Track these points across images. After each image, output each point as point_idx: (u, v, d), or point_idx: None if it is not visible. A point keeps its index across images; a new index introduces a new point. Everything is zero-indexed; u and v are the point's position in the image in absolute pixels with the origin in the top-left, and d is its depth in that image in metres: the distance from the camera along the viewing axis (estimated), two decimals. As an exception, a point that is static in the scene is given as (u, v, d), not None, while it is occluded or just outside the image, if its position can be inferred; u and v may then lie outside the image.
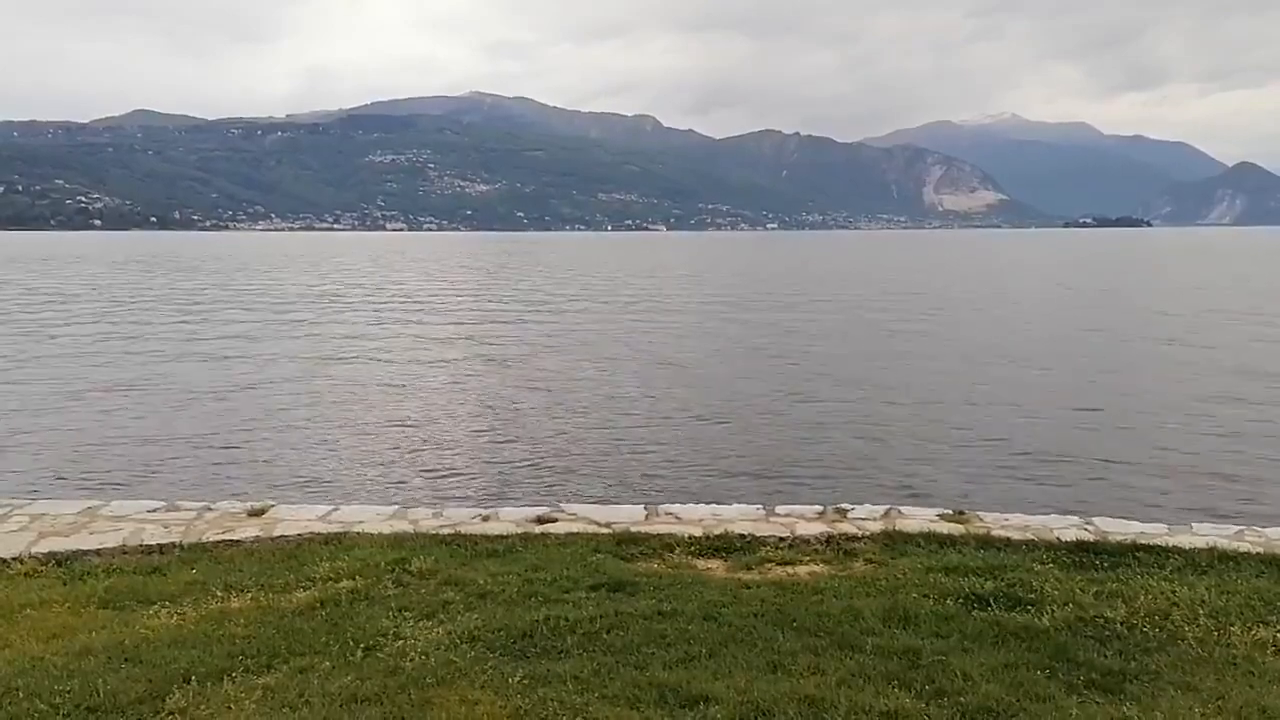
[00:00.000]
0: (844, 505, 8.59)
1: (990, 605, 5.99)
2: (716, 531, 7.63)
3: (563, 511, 8.45)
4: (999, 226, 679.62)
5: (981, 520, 8.10)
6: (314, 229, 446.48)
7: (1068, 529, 7.77)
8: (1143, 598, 6.06)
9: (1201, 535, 7.63)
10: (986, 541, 7.39)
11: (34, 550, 7.27)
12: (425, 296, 52.16)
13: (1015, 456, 15.24)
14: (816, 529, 7.77)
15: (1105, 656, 5.24)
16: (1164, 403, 19.94)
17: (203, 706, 4.68)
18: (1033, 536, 7.52)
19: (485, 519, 8.25)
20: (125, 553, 7.28)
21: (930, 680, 4.91)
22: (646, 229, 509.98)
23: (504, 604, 6.04)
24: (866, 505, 8.63)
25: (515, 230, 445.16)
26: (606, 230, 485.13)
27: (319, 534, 7.66)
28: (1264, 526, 8.13)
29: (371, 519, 8.23)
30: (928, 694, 4.78)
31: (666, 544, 7.33)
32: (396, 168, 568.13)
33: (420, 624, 5.71)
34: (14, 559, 7.05)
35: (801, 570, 6.84)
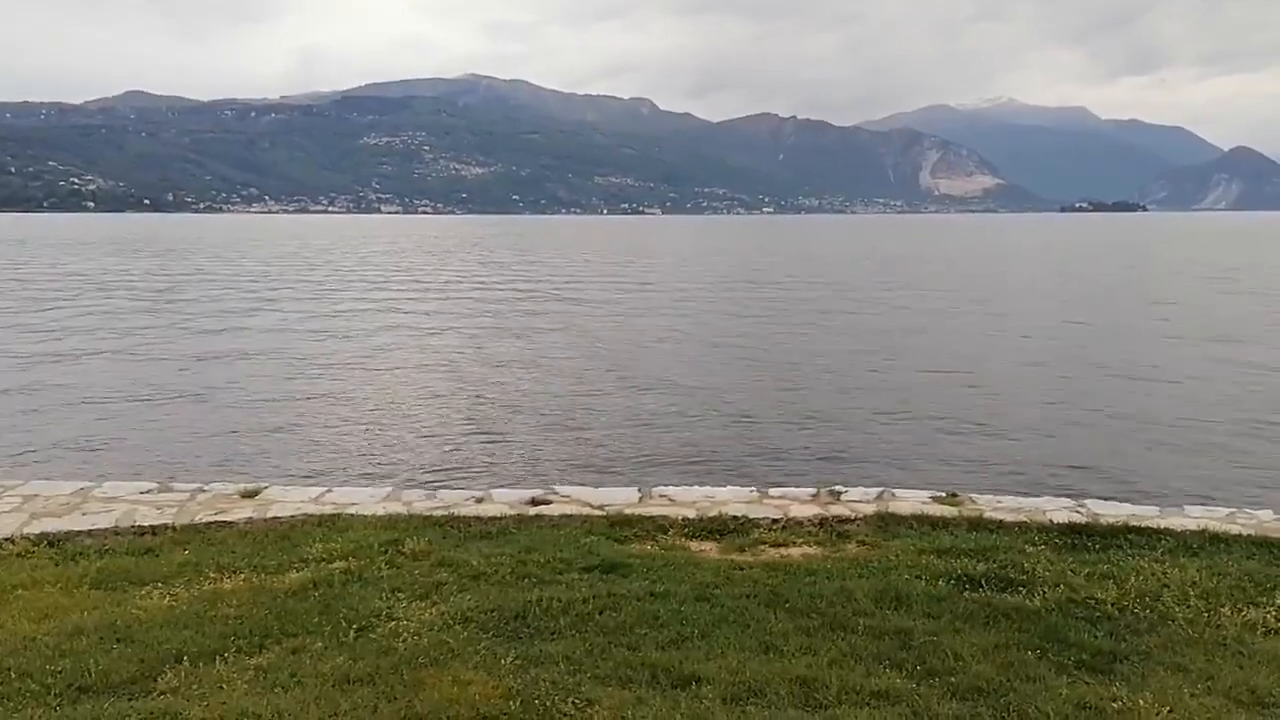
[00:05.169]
0: (837, 487, 8.61)
1: (982, 586, 6.01)
2: (710, 513, 7.64)
3: (556, 494, 8.46)
4: (995, 211, 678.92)
5: (974, 502, 8.12)
6: (308, 211, 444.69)
7: (1059, 511, 7.80)
8: (1133, 579, 6.08)
9: (1192, 517, 7.67)
10: (979, 523, 7.42)
11: (26, 531, 7.25)
12: (418, 279, 52.02)
13: (1008, 439, 15.28)
14: (810, 511, 7.79)
15: (1096, 637, 5.27)
16: (1156, 386, 20.00)
17: (194, 686, 4.68)
18: (1025, 519, 7.55)
19: (479, 501, 8.26)
20: (118, 534, 7.28)
21: (921, 660, 4.94)
22: (642, 212, 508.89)
23: (497, 585, 6.05)
24: (860, 487, 8.65)
25: (511, 213, 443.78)
26: (602, 214, 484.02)
27: (312, 515, 7.66)
28: (1255, 509, 8.17)
29: (365, 501, 8.24)
30: (919, 674, 4.80)
31: (660, 526, 7.35)
32: (391, 150, 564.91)
33: (413, 605, 5.72)
34: (6, 539, 7.04)
35: (794, 552, 6.85)
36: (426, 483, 11.81)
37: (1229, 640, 5.26)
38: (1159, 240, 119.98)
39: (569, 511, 7.82)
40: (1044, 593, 5.87)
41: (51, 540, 7.08)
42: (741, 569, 6.38)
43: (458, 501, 8.20)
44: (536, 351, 24.61)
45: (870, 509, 7.80)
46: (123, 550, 6.87)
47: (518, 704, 4.47)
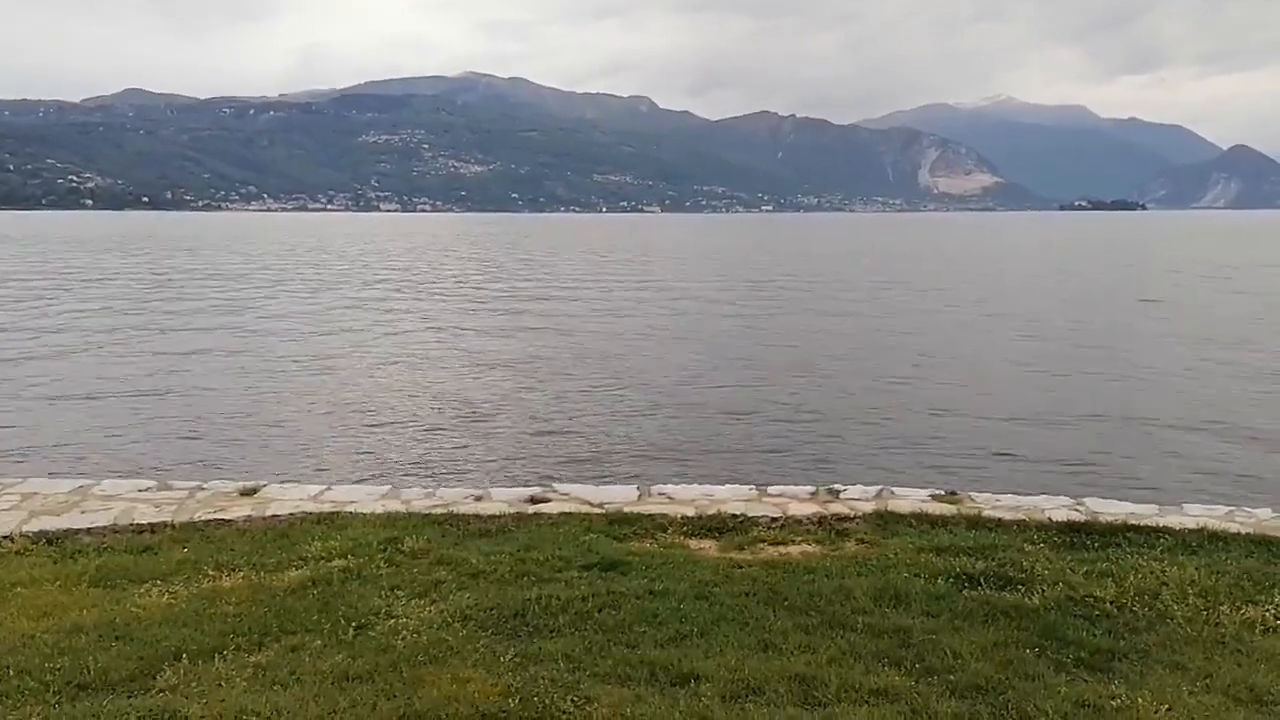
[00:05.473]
0: (836, 485, 8.59)
1: (981, 585, 6.01)
2: (709, 511, 7.63)
3: (555, 491, 8.45)
4: (994, 209, 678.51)
5: (973, 501, 8.11)
6: (307, 209, 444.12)
7: (1058, 509, 7.77)
8: (1132, 577, 6.08)
9: (1191, 515, 7.65)
10: (978, 522, 7.40)
11: (25, 529, 7.23)
12: (416, 278, 52.01)
13: (1007, 438, 15.28)
14: (809, 509, 7.78)
15: (1094, 635, 5.26)
16: (1155, 385, 20.01)
17: (194, 684, 4.68)
18: (1024, 517, 7.53)
19: (478, 499, 8.24)
20: (117, 532, 7.26)
21: (920, 659, 4.93)
22: (641, 210, 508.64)
23: (496, 583, 6.04)
24: (859, 485, 8.62)
25: (510, 211, 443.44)
26: (601, 212, 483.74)
27: (311, 513, 7.65)
28: (1254, 507, 8.16)
29: (364, 498, 8.22)
30: (918, 672, 4.80)
31: (659, 524, 7.34)
32: (390, 148, 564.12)
33: (412, 603, 5.71)
34: (5, 537, 7.02)
35: (793, 550, 6.85)
36: (425, 481, 11.80)
37: (1227, 638, 5.26)
38: (1158, 239, 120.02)
39: (568, 509, 7.80)
40: (1043, 591, 5.87)
41: (50, 538, 7.07)
42: (740, 567, 6.38)
43: (456, 499, 8.19)
44: (535, 350, 24.61)
45: (869, 507, 7.79)
46: (121, 548, 6.85)
47: (517, 701, 4.47)
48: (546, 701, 4.46)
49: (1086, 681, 4.73)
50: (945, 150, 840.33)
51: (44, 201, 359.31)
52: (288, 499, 8.16)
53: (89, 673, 4.75)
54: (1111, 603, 5.71)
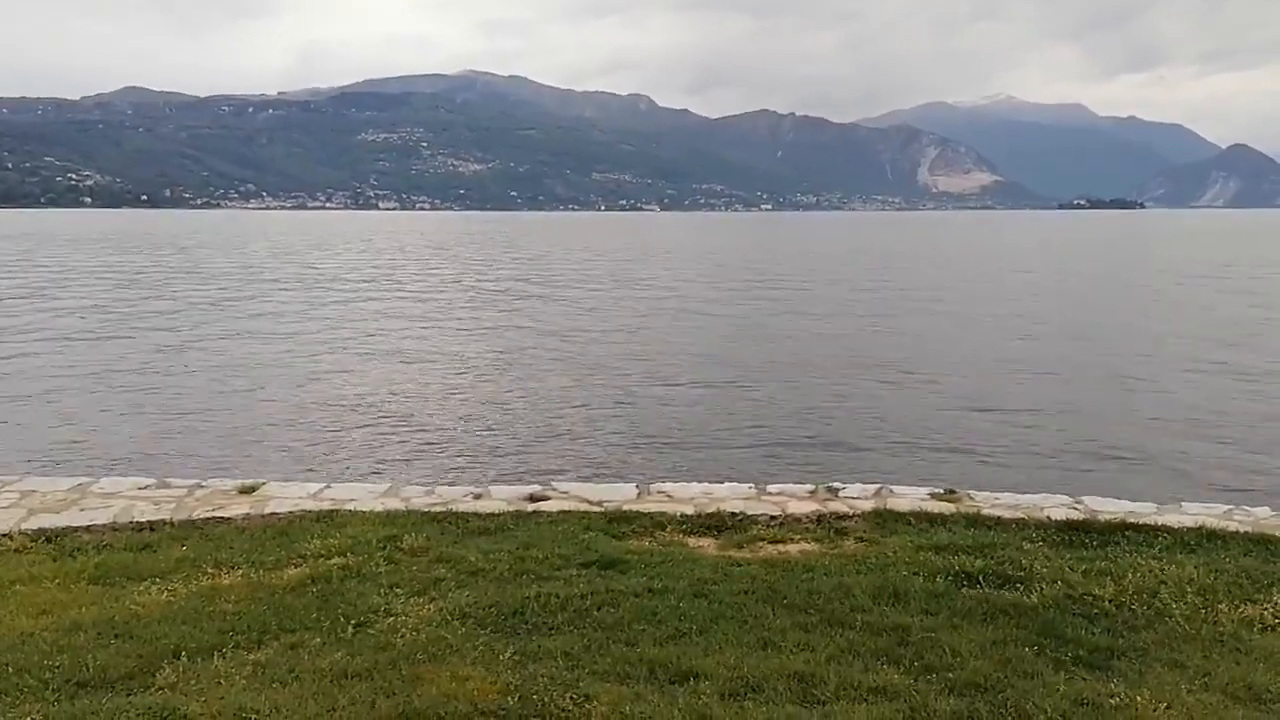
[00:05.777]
0: (835, 484, 8.60)
1: (980, 583, 6.01)
2: (708, 510, 7.63)
3: (554, 490, 8.45)
4: (993, 208, 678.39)
5: (972, 499, 8.11)
6: (306, 208, 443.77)
7: (1057, 508, 7.78)
8: (1131, 576, 6.08)
9: (1190, 514, 7.66)
10: (976, 520, 7.41)
11: (24, 526, 7.24)
12: (412, 277, 51.98)
13: (1006, 436, 15.29)
14: (808, 507, 7.78)
15: (1093, 634, 5.27)
16: (1154, 384, 20.02)
17: (193, 682, 4.68)
18: (1022, 515, 7.54)
19: (477, 497, 8.25)
20: (116, 529, 7.26)
21: (919, 657, 4.93)
22: (640, 209, 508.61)
23: (495, 581, 6.04)
24: (858, 484, 8.64)
25: (509, 210, 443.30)
26: (600, 210, 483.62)
27: (310, 511, 7.65)
28: (1252, 506, 8.16)
29: (363, 497, 8.22)
30: (916, 670, 4.80)
31: (658, 522, 7.34)
32: (389, 146, 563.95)
33: (411, 601, 5.71)
34: (4, 535, 7.02)
35: (793, 548, 6.85)
36: (424, 479, 11.80)
37: (1226, 637, 5.27)
38: (1157, 238, 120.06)
39: (567, 508, 7.80)
40: (1042, 589, 5.87)
41: (49, 536, 7.07)
42: (739, 565, 6.38)
43: (456, 498, 8.19)
44: (534, 348, 24.60)
45: (868, 505, 7.79)
46: (121, 546, 6.85)
47: (516, 699, 4.47)
48: (545, 699, 4.46)
49: (1085, 679, 4.74)
50: (944, 149, 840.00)
51: (43, 200, 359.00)
52: (287, 497, 8.16)
53: (88, 670, 4.76)
54: (1110, 601, 5.71)
